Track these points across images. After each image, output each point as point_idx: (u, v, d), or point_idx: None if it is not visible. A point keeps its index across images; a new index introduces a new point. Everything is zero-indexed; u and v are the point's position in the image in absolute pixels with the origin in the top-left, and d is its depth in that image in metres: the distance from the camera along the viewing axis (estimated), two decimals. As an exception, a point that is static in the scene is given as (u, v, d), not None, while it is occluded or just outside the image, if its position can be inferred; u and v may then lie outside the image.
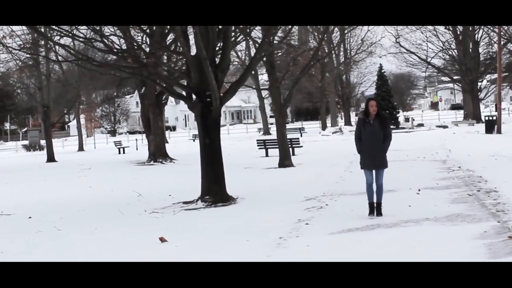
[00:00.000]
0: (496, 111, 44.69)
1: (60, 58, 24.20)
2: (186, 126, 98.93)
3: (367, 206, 10.81)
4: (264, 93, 56.80)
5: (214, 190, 14.47)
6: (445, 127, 51.65)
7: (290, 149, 26.41)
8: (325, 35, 34.75)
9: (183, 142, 56.83)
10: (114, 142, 49.29)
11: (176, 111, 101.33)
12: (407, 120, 59.09)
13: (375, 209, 10.71)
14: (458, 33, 59.53)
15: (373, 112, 10.56)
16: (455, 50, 61.74)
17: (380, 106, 11.00)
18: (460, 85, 64.21)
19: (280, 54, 43.45)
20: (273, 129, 45.03)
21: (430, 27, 59.52)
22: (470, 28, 58.14)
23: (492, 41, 58.20)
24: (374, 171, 10.71)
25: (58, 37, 20.70)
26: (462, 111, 72.01)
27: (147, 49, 21.75)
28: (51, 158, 38.96)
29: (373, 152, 10.57)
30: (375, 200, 10.74)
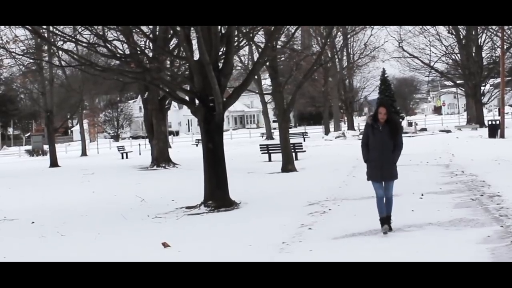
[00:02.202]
0: (499, 115, 44.62)
1: (63, 63, 24.25)
2: (189, 131, 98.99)
3: (379, 223, 9.74)
4: (267, 97, 56.82)
5: (217, 195, 14.47)
6: (448, 131, 51.58)
7: (293, 153, 26.40)
8: (328, 40, 34.76)
9: (186, 147, 56.83)
10: (117, 147, 49.33)
11: (179, 116, 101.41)
12: (410, 124, 59.03)
13: (385, 222, 9.63)
14: (461, 37, 59.52)
15: (381, 120, 9.44)
16: (458, 55, 61.69)
17: (391, 111, 9.78)
18: (463, 89, 64.14)
19: (283, 58, 43.42)
20: (276, 133, 45.01)
21: (433, 31, 59.58)
22: (473, 32, 58.12)
23: (495, 45, 58.12)
24: (383, 182, 9.67)
25: (61, 42, 20.69)
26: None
27: (150, 54, 21.79)
28: (54, 163, 39.00)
29: (380, 162, 9.50)
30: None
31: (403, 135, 10.07)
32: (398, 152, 9.62)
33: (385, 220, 9.62)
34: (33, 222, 13.86)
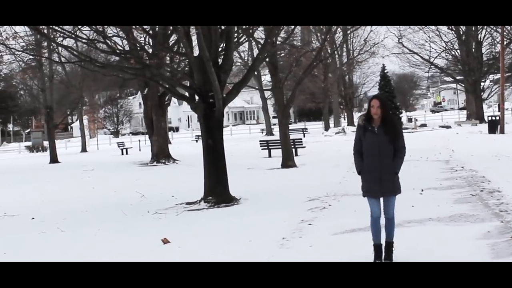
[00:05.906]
0: (499, 111, 44.62)
1: (63, 59, 24.16)
2: (189, 127, 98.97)
3: (372, 248, 7.73)
4: (267, 93, 56.87)
5: (217, 190, 14.48)
6: (448, 127, 51.63)
7: (293, 149, 26.40)
8: (328, 36, 34.72)
9: (186, 143, 56.82)
10: (117, 143, 49.32)
11: (179, 112, 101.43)
12: (410, 120, 59.06)
13: (384, 251, 7.69)
14: (461, 33, 59.49)
15: (375, 115, 7.33)
16: (458, 50, 61.67)
17: (388, 107, 7.56)
18: (463, 85, 64.13)
19: (283, 54, 43.31)
20: (276, 129, 45.00)
21: (433, 27, 59.51)
22: (473, 28, 58.07)
23: (495, 41, 58.11)
24: (381, 198, 7.65)
25: (61, 39, 20.67)
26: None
27: (150, 50, 21.76)
28: (54, 159, 39.00)
29: (378, 172, 7.40)
30: (383, 242, 7.71)
31: (403, 131, 7.98)
32: (400, 158, 7.52)
33: (385, 246, 7.72)
34: (33, 218, 13.87)
